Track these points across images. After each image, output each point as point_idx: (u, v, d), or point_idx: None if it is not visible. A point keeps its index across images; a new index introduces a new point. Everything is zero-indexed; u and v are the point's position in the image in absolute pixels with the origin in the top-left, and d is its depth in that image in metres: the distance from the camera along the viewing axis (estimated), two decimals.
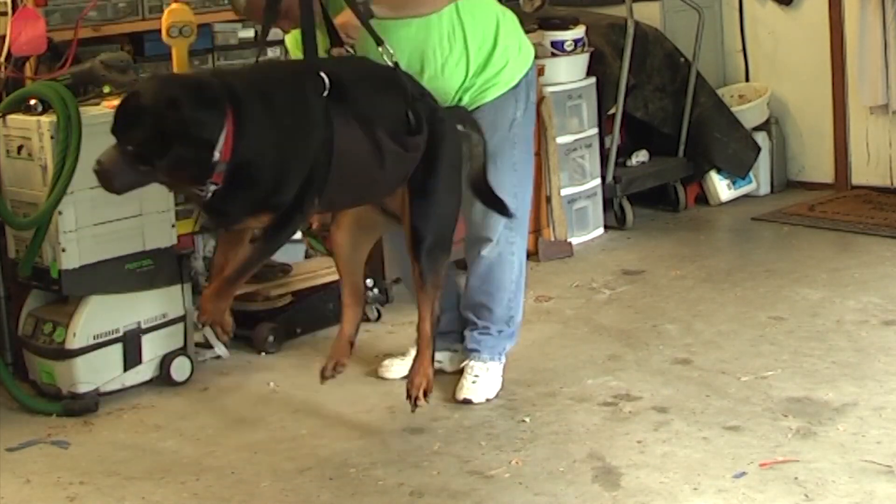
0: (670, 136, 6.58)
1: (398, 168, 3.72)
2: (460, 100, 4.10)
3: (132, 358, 4.44)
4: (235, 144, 3.42)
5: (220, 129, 3.39)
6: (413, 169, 3.75)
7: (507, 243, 4.24)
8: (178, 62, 4.59)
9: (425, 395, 3.85)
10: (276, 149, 3.50)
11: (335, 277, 5.02)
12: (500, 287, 4.27)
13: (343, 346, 4.01)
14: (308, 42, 3.70)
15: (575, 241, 6.00)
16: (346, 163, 3.61)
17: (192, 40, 4.64)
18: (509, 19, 4.20)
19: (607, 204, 6.30)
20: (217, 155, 3.37)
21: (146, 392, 4.48)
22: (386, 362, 4.46)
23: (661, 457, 3.74)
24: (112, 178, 3.42)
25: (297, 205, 3.55)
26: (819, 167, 6.84)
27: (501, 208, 4.04)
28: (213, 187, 3.41)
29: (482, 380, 4.23)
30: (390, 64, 3.75)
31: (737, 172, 6.65)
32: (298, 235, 5.25)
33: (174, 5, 4.64)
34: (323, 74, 3.57)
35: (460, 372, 4.27)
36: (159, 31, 4.84)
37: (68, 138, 4.19)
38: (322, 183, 3.58)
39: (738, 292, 5.23)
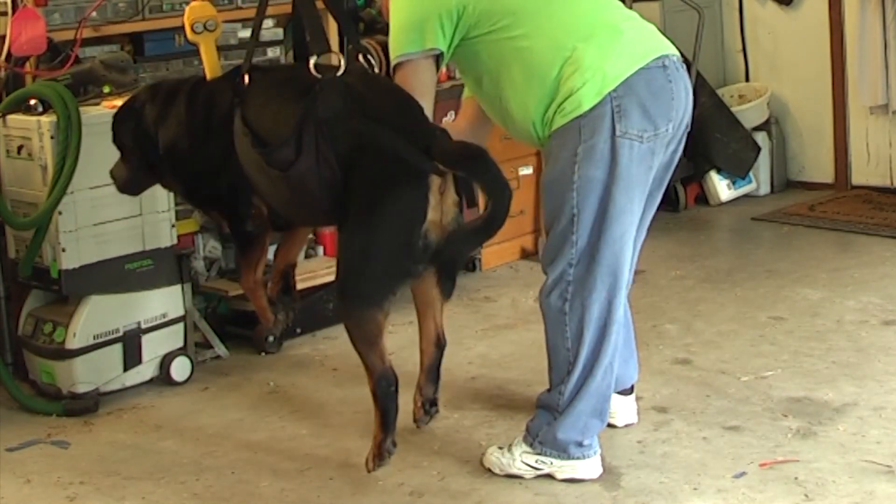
0: None
1: (296, 190, 3.47)
2: (538, 136, 3.62)
3: (132, 358, 4.44)
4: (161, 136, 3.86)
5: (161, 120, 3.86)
6: (321, 195, 3.46)
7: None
8: (208, 58, 4.52)
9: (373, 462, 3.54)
10: (187, 145, 3.79)
11: (335, 277, 5.04)
12: (552, 348, 3.67)
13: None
14: (250, 44, 3.79)
15: None
16: (254, 173, 3.57)
17: (219, 34, 4.56)
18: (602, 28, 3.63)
19: None
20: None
21: (146, 392, 4.48)
22: None
23: (661, 457, 3.74)
24: (123, 184, 4.01)
25: (231, 206, 3.80)
26: (819, 167, 6.84)
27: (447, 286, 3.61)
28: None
29: None
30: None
31: (737, 172, 6.65)
32: None
33: (194, 3, 4.60)
34: (246, 78, 3.66)
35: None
36: (159, 31, 4.85)
37: (68, 138, 4.19)
38: (239, 187, 3.68)
39: (738, 292, 5.23)
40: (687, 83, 3.70)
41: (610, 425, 3.86)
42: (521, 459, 3.66)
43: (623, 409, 3.95)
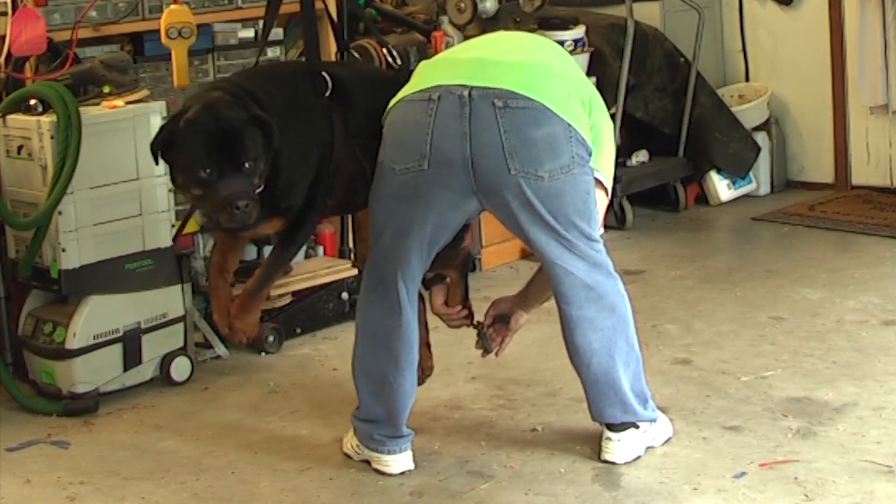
0: (670, 136, 6.58)
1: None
2: None
3: (132, 358, 4.44)
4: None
5: None
6: None
7: None
8: (178, 64, 4.57)
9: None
10: (289, 149, 3.51)
11: (335, 277, 5.06)
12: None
13: (423, 352, 3.95)
14: (310, 42, 3.74)
15: None
16: (343, 164, 3.63)
17: (192, 41, 4.62)
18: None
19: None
20: None
21: (146, 392, 4.48)
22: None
23: (661, 457, 3.74)
24: (254, 210, 3.36)
25: (309, 206, 3.59)
26: (819, 167, 6.84)
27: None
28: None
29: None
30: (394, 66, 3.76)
31: (737, 172, 6.65)
32: None
33: (173, 6, 4.63)
34: (325, 75, 3.61)
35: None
36: (159, 30, 4.85)
37: (68, 138, 4.19)
38: (330, 184, 3.61)
39: (738, 292, 5.23)
40: (482, 121, 3.42)
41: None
42: (350, 442, 3.84)
43: (609, 447, 3.74)
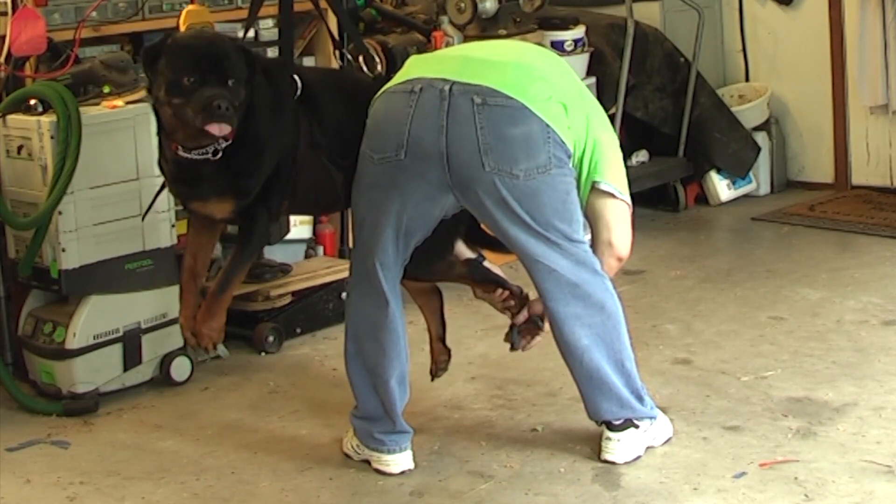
0: (670, 136, 6.58)
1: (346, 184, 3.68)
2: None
3: (132, 358, 4.44)
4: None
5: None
6: None
7: None
8: None
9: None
10: (263, 125, 3.54)
11: (335, 277, 5.06)
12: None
13: (436, 346, 4.09)
14: (285, 42, 3.75)
15: None
16: (306, 167, 3.63)
17: None
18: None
19: None
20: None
21: (146, 392, 4.49)
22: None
23: (661, 457, 3.74)
24: (233, 117, 3.40)
25: (263, 201, 3.59)
26: (819, 167, 6.84)
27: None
28: (223, 144, 3.45)
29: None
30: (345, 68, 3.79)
31: (737, 172, 6.65)
32: (299, 235, 5.25)
33: (190, 7, 4.63)
34: (296, 77, 3.64)
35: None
36: (159, 31, 4.85)
37: (68, 138, 4.19)
38: (288, 184, 3.62)
39: (738, 292, 5.23)
40: (459, 116, 3.45)
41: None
42: (350, 442, 3.84)
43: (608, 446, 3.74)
